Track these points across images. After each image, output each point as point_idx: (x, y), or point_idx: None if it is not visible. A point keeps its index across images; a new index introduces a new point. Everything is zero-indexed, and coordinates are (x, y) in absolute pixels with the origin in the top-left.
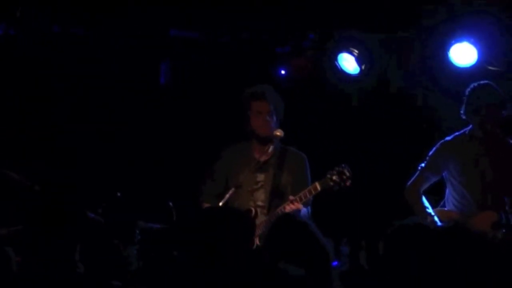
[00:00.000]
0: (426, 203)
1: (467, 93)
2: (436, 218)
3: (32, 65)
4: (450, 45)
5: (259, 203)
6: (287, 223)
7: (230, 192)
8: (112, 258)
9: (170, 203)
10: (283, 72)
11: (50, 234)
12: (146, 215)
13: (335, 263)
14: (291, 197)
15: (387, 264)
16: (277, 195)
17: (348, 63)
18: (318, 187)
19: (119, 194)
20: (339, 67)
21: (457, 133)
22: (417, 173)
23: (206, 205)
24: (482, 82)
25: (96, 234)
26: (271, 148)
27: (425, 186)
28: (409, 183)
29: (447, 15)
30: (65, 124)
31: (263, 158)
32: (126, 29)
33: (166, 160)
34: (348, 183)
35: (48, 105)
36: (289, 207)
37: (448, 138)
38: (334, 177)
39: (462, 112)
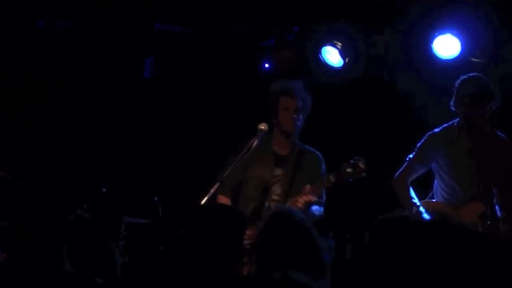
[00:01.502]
0: (413, 194)
1: (456, 84)
2: (421, 209)
3: (15, 61)
4: (434, 37)
5: (275, 197)
6: (282, 220)
7: (215, 187)
8: (98, 255)
9: (156, 198)
10: (267, 65)
11: (35, 230)
12: (132, 210)
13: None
14: (308, 186)
15: (372, 257)
16: (292, 191)
17: (332, 56)
18: (332, 179)
19: (104, 190)
20: (322, 60)
21: (445, 125)
22: (405, 164)
23: (221, 197)
24: (471, 74)
25: (82, 230)
26: (290, 144)
27: (413, 177)
28: (397, 174)
29: (430, 6)
30: (49, 119)
31: (282, 153)
32: (110, 23)
33: (151, 155)
34: (362, 175)
35: (32, 100)
36: (302, 200)
37: (436, 129)
38: (348, 169)
39: (451, 104)
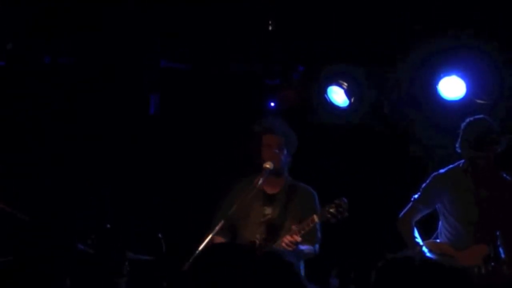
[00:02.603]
0: (417, 235)
1: (462, 127)
2: (424, 249)
3: (22, 96)
4: (439, 78)
5: (265, 236)
6: (272, 262)
7: (220, 224)
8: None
9: (160, 235)
10: (272, 104)
11: (39, 266)
12: (136, 246)
13: None
14: (293, 227)
15: None
16: (283, 229)
17: (338, 95)
18: (316, 219)
19: (108, 226)
20: (328, 99)
21: (451, 166)
22: (410, 204)
23: (218, 239)
24: (477, 116)
25: (86, 266)
26: (280, 181)
27: (417, 217)
28: (401, 214)
29: (436, 48)
30: (55, 155)
31: (272, 191)
32: (116, 59)
33: (156, 192)
34: (344, 215)
35: (39, 137)
36: (287, 240)
37: (441, 170)
38: (331, 210)
39: (457, 145)
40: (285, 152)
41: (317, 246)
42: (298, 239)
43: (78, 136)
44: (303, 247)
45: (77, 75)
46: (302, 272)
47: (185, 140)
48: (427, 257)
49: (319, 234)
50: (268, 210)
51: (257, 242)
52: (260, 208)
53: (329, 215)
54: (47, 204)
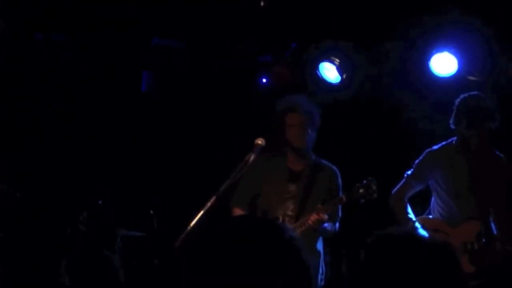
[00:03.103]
0: (409, 210)
1: (456, 103)
2: (417, 225)
3: (13, 73)
4: (431, 55)
5: (289, 212)
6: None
7: (211, 201)
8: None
9: (151, 211)
10: (264, 80)
11: (32, 243)
12: (127, 223)
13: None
14: (319, 206)
15: (367, 274)
16: (306, 206)
17: (329, 72)
18: (344, 199)
19: (100, 202)
20: (320, 76)
21: (444, 143)
22: (403, 180)
23: (237, 210)
24: (472, 93)
25: (79, 243)
26: (305, 159)
27: (410, 193)
28: (394, 190)
29: (428, 25)
30: (47, 132)
31: (297, 169)
32: (108, 36)
33: (147, 168)
34: (373, 196)
35: (30, 113)
36: (313, 218)
37: (435, 147)
38: (361, 190)
39: (450, 121)
40: (309, 131)
41: (337, 224)
42: (325, 217)
43: (69, 114)
44: (327, 225)
45: (68, 52)
46: (321, 248)
47: (177, 117)
48: (416, 233)
49: (339, 213)
50: (292, 187)
51: (280, 218)
52: (284, 185)
53: (358, 196)
54: (39, 182)
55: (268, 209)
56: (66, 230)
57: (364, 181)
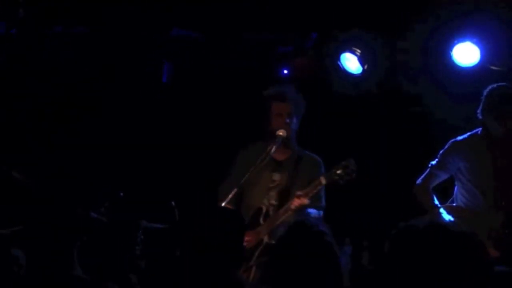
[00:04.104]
0: (434, 198)
1: (484, 93)
2: (441, 210)
3: (33, 65)
4: (453, 44)
5: (273, 201)
6: (301, 233)
7: (233, 192)
8: (111, 260)
9: (173, 203)
10: (285, 71)
11: (51, 234)
12: (149, 214)
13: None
14: (298, 192)
15: (391, 265)
16: (290, 195)
17: (351, 63)
18: (323, 181)
19: (121, 194)
20: (341, 67)
21: (469, 133)
22: (427, 170)
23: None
24: (500, 83)
25: (99, 234)
26: (289, 149)
27: (435, 183)
28: (418, 180)
29: (450, 14)
30: (67, 122)
31: (280, 158)
32: (128, 28)
33: (169, 159)
34: (352, 176)
35: (50, 105)
36: (295, 202)
37: (459, 137)
38: (338, 171)
39: (478, 112)
40: (294, 120)
41: (321, 213)
42: (306, 201)
43: (91, 105)
44: (311, 211)
45: (88, 45)
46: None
47: (198, 108)
48: (440, 221)
49: (323, 202)
50: (276, 176)
51: (264, 208)
52: (268, 174)
53: (336, 177)
54: (59, 172)
55: (254, 199)
56: (83, 220)
57: (343, 162)
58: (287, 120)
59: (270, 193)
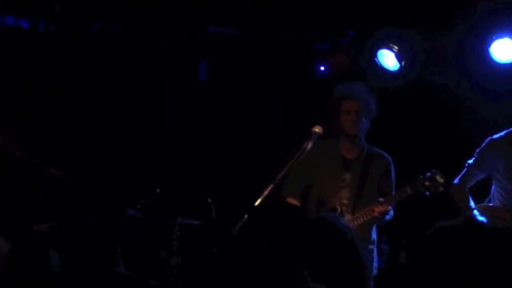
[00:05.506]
0: (470, 199)
1: None
2: (475, 212)
3: (71, 62)
4: (491, 41)
5: (344, 201)
6: (324, 231)
7: (269, 189)
8: (152, 256)
9: (209, 200)
10: (322, 68)
11: (89, 231)
12: (185, 211)
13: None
14: (380, 199)
15: (427, 265)
16: (362, 195)
17: (388, 59)
18: (409, 191)
19: (158, 191)
20: (378, 63)
21: (506, 131)
22: (464, 169)
23: (291, 200)
24: None
25: (136, 231)
26: (358, 147)
27: (472, 182)
28: (455, 180)
29: (488, 10)
30: (105, 121)
31: (350, 157)
32: (165, 26)
33: (205, 157)
34: (439, 190)
35: (88, 102)
36: (378, 209)
37: (496, 135)
38: (426, 183)
39: None
40: (363, 119)
41: (392, 212)
42: (389, 208)
43: (128, 103)
44: (387, 216)
45: (126, 42)
46: (376, 237)
47: (235, 106)
48: (475, 221)
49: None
50: (347, 175)
51: (339, 208)
52: (339, 173)
53: (423, 189)
54: (97, 170)
55: (323, 197)
56: (123, 218)
57: (428, 173)
58: (355, 118)
59: (341, 192)
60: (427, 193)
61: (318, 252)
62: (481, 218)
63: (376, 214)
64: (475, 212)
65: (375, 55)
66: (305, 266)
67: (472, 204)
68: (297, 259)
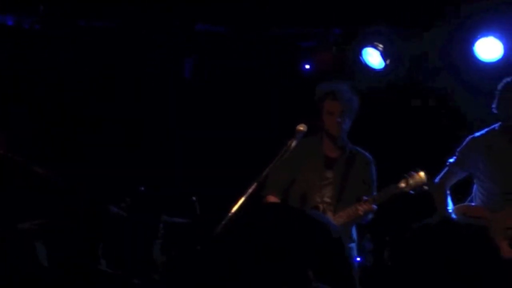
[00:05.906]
0: (449, 201)
1: (499, 87)
2: (452, 215)
3: (56, 59)
4: (476, 39)
5: (326, 199)
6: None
7: (252, 187)
8: (135, 254)
9: (194, 198)
10: (307, 66)
11: (73, 228)
12: (170, 209)
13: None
14: (365, 198)
15: (409, 262)
16: (344, 194)
17: (373, 58)
18: (394, 190)
19: (142, 189)
20: (363, 62)
21: (487, 129)
22: (446, 168)
23: (271, 198)
24: None
25: (120, 229)
26: (340, 147)
27: (453, 181)
28: (437, 178)
29: (472, 9)
30: (89, 117)
31: (333, 155)
32: (151, 23)
33: (190, 155)
34: (424, 188)
35: (72, 99)
36: (362, 208)
37: (477, 133)
38: (410, 181)
39: (493, 106)
40: (346, 119)
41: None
42: (372, 208)
43: (113, 100)
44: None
45: (111, 39)
46: (355, 234)
47: (220, 104)
48: (450, 220)
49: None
50: (329, 174)
51: (321, 206)
52: (321, 171)
53: (408, 187)
54: (80, 168)
55: (306, 193)
56: (106, 216)
57: (413, 172)
58: (339, 119)
59: (323, 190)
60: (412, 191)
61: (306, 249)
62: (457, 218)
63: (360, 212)
64: (453, 215)
65: (360, 54)
66: (310, 267)
67: (450, 205)
68: (296, 259)
